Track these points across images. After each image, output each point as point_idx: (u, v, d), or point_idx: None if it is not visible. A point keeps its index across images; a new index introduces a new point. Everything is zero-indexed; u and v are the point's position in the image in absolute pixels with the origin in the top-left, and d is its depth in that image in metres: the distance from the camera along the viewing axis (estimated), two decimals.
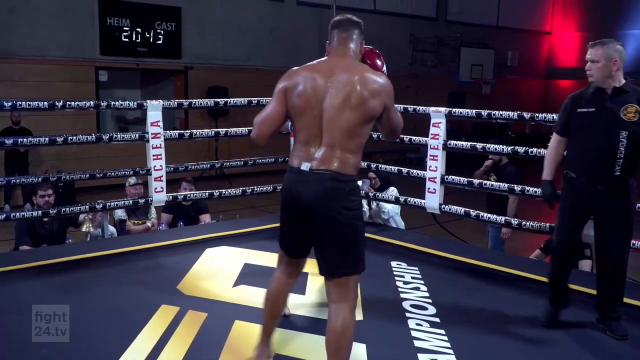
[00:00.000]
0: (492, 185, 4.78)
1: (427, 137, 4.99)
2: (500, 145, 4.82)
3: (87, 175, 5.02)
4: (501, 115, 4.69)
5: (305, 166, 2.58)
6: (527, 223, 4.45)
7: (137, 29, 11.62)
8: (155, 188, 5.16)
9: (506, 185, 4.64)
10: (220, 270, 4.36)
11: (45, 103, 4.71)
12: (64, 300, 3.70)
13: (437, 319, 3.59)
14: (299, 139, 2.66)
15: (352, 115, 2.56)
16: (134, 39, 11.59)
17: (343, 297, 2.61)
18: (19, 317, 3.44)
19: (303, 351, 3.16)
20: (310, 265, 4.42)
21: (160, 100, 5.25)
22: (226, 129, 5.81)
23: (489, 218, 4.80)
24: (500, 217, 4.63)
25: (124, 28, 11.49)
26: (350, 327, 2.59)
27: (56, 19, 10.56)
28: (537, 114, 4.52)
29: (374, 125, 2.73)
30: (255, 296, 3.81)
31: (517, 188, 4.53)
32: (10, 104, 4.62)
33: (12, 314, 3.50)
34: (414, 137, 5.23)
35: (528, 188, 4.47)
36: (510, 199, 5.75)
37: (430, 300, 3.88)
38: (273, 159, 5.85)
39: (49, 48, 10.52)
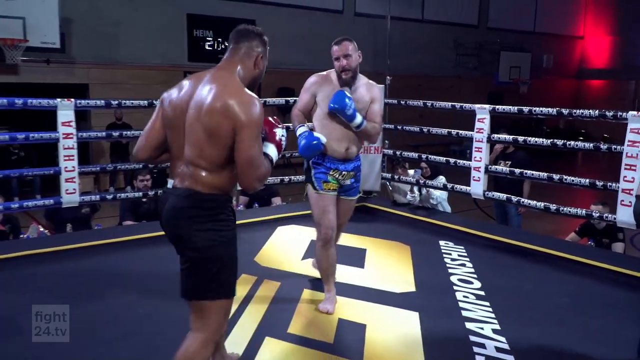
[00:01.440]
0: (533, 174, 4.59)
1: (470, 131, 4.85)
2: (540, 138, 4.62)
3: None
4: (541, 111, 4.49)
5: None
6: (565, 208, 4.27)
7: (219, 39, 11.83)
8: None
9: (546, 174, 4.43)
10: (290, 246, 4.37)
11: (145, 102, 4.81)
12: (162, 268, 3.74)
13: (482, 292, 3.49)
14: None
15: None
16: (215, 48, 11.80)
17: (198, 325, 2.05)
18: (127, 280, 3.54)
19: (360, 317, 3.13)
20: (366, 242, 4.40)
21: None
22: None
23: (529, 204, 4.62)
24: (540, 202, 4.44)
25: (208, 38, 11.72)
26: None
27: (153, 32, 10.77)
28: (574, 110, 4.31)
29: None
30: None
31: (556, 177, 4.34)
32: (116, 102, 4.73)
33: (122, 279, 3.59)
34: (460, 131, 5.10)
35: (566, 177, 4.28)
36: (526, 181, 5.53)
37: (475, 275, 3.78)
38: None
39: (148, 56, 10.75)
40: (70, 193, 4.36)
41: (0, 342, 2.77)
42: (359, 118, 3.02)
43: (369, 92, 3.16)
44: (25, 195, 8.17)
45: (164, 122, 2.12)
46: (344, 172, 3.15)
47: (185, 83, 2.14)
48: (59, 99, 4.27)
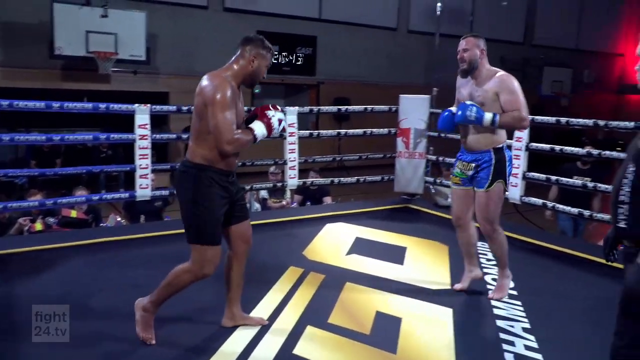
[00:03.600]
0: (568, 181, 4.34)
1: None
2: (577, 148, 4.37)
3: (240, 163, 5.11)
4: (578, 122, 4.24)
5: None
6: (598, 215, 4.01)
7: (283, 53, 11.88)
8: (290, 175, 5.19)
9: (580, 182, 4.20)
10: (336, 241, 4.30)
11: None
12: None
13: (514, 292, 3.31)
14: None
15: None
16: (279, 61, 11.85)
17: (190, 258, 2.49)
18: None
19: (397, 311, 3.02)
20: (407, 240, 4.28)
21: (297, 107, 5.25)
22: (345, 130, 5.73)
23: (563, 209, 4.38)
24: (575, 208, 4.19)
25: (274, 53, 11.78)
26: (178, 276, 2.50)
27: (226, 46, 10.68)
28: (610, 122, 4.05)
29: None
30: (363, 263, 3.73)
31: (590, 184, 4.09)
32: (186, 108, 4.75)
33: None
34: None
35: (600, 185, 4.02)
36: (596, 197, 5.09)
37: None
38: (382, 155, 5.70)
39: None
40: (144, 188, 4.45)
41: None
42: (487, 117, 2.83)
43: (495, 85, 2.89)
44: (111, 188, 8.45)
45: None
46: (464, 162, 3.09)
47: None
48: (136, 105, 4.35)
